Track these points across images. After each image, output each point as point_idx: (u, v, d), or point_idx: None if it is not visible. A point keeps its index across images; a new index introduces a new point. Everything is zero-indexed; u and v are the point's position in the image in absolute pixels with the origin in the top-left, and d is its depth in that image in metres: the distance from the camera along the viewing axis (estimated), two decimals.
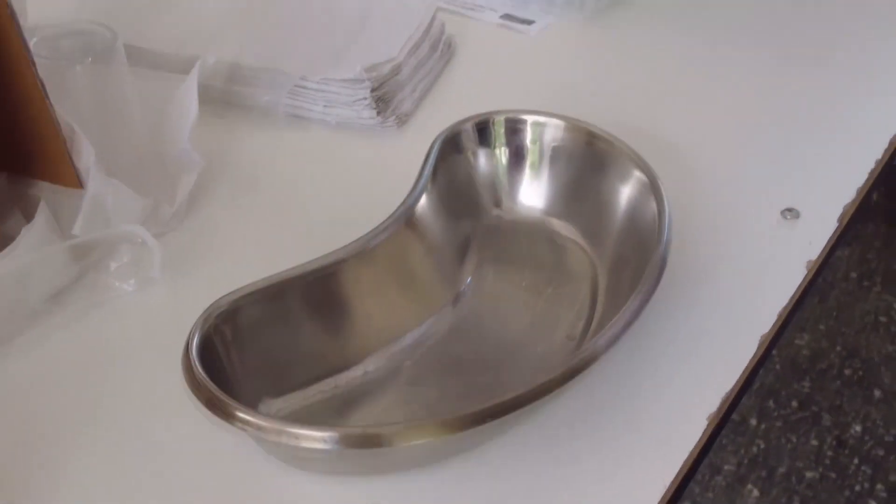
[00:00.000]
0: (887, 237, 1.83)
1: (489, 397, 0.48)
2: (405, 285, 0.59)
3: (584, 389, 0.54)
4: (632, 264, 0.58)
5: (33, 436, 0.54)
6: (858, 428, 1.51)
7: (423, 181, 0.61)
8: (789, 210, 0.65)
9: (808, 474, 1.46)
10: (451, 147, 0.63)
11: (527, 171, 0.64)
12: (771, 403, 1.55)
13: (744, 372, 0.57)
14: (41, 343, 0.58)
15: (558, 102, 0.70)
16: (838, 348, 1.64)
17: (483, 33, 0.85)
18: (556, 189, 0.64)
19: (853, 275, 1.77)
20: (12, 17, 0.55)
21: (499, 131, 0.64)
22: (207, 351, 0.50)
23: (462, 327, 0.59)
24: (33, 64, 0.56)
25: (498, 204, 0.64)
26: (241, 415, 0.47)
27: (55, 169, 0.60)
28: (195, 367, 0.49)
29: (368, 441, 0.47)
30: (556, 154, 0.64)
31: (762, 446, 1.49)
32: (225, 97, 0.74)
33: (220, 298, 0.52)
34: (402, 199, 0.61)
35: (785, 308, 0.60)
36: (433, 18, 0.79)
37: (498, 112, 0.65)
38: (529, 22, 0.86)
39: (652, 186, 0.59)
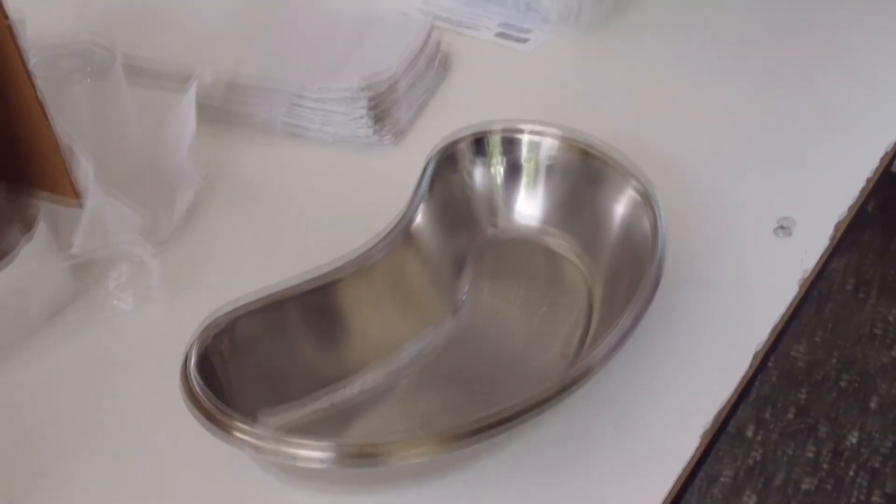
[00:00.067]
0: (883, 247, 1.84)
1: (486, 411, 0.48)
2: (402, 299, 0.60)
3: (580, 402, 0.54)
4: (627, 278, 0.58)
5: (33, 449, 0.54)
6: (855, 438, 1.52)
7: (419, 195, 0.62)
8: (783, 226, 0.66)
9: (805, 484, 1.46)
10: (446, 161, 0.64)
11: (522, 185, 0.65)
12: (768, 413, 1.56)
13: (738, 385, 0.57)
14: (41, 357, 0.58)
15: (554, 116, 0.71)
16: (834, 359, 1.65)
17: (479, 48, 0.85)
18: (551, 203, 0.64)
19: (849, 285, 1.77)
20: (13, 34, 0.56)
21: (494, 144, 0.65)
22: (205, 365, 0.51)
23: (459, 341, 0.60)
24: (34, 82, 0.57)
25: (494, 218, 0.65)
26: (238, 431, 0.47)
27: (54, 184, 0.60)
28: (193, 381, 0.49)
29: (365, 454, 0.47)
30: (552, 168, 0.64)
31: (759, 456, 1.49)
32: (223, 113, 0.74)
33: (218, 310, 0.53)
34: (398, 214, 0.61)
35: (778, 322, 0.60)
36: (429, 34, 0.80)
37: (495, 121, 0.65)
38: (525, 38, 0.87)
39: (647, 200, 0.59)
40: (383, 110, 0.74)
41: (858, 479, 1.46)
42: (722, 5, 0.91)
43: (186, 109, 0.66)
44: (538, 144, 0.64)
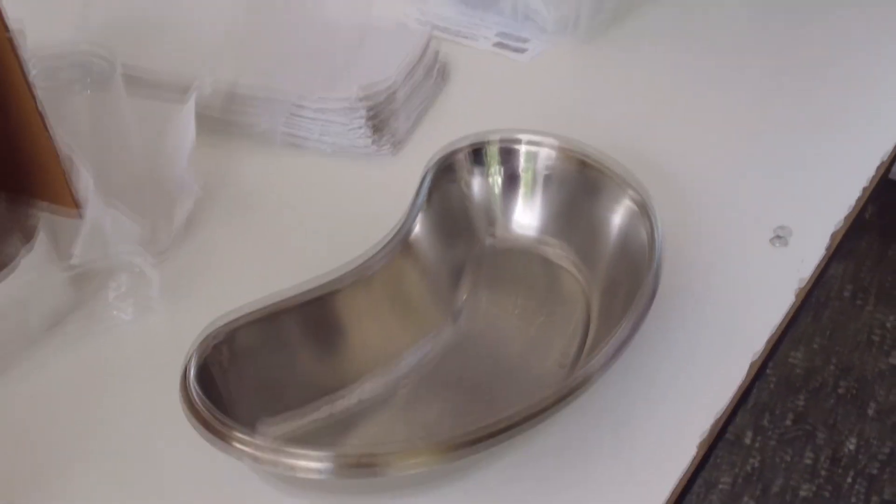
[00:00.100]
0: (880, 253, 1.84)
1: (484, 420, 0.49)
2: (400, 309, 0.60)
3: (578, 411, 0.54)
4: (624, 287, 0.58)
5: (33, 459, 0.55)
6: (853, 444, 1.52)
7: (417, 206, 0.62)
8: (779, 235, 0.66)
9: (804, 491, 1.46)
10: (444, 171, 0.64)
11: (520, 195, 0.65)
12: (766, 420, 1.56)
13: (735, 394, 0.57)
14: (41, 367, 0.59)
15: (552, 126, 0.71)
16: (832, 365, 1.65)
17: (477, 58, 0.86)
18: (549, 212, 0.65)
19: (847, 292, 1.78)
20: (13, 46, 0.56)
21: (492, 154, 0.65)
22: (204, 375, 0.51)
23: (457, 350, 0.60)
24: (34, 93, 0.57)
25: (492, 227, 0.65)
26: (236, 441, 0.48)
27: (54, 194, 0.61)
28: (192, 391, 0.50)
29: (363, 465, 0.47)
30: (550, 177, 0.65)
31: (757, 463, 1.49)
32: (222, 122, 0.74)
33: (217, 320, 0.53)
34: (397, 223, 0.62)
35: (775, 331, 0.60)
36: (427, 44, 0.80)
37: (492, 132, 0.65)
38: (523, 47, 0.87)
39: (644, 210, 0.60)
40: (382, 120, 0.74)
41: (856, 486, 1.46)
42: (719, 15, 0.92)
43: (186, 120, 0.66)
44: (535, 154, 0.64)
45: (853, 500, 1.45)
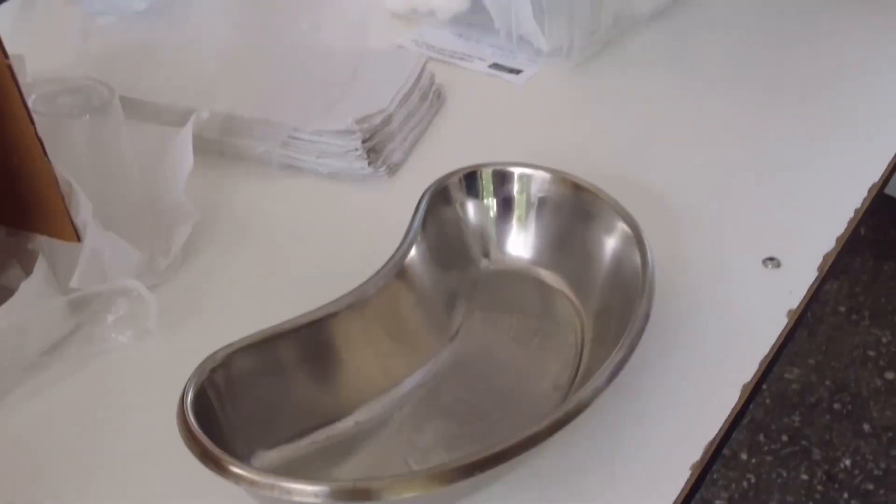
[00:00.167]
0: (875, 270, 1.85)
1: (478, 448, 0.49)
2: (396, 336, 0.60)
3: (573, 433, 0.54)
4: (617, 314, 0.59)
5: (31, 486, 0.55)
6: (848, 462, 1.52)
7: (412, 233, 0.62)
8: (771, 258, 0.67)
9: None
10: (440, 199, 0.65)
11: (514, 222, 0.66)
12: (761, 437, 1.56)
13: (727, 419, 0.58)
14: (38, 395, 0.59)
15: (546, 150, 0.72)
16: (827, 382, 1.65)
17: (472, 82, 0.87)
18: (542, 240, 0.65)
19: (842, 308, 1.78)
20: (13, 75, 0.57)
21: (486, 183, 0.66)
22: (202, 404, 0.52)
23: (453, 374, 0.60)
24: (33, 122, 0.57)
25: (486, 254, 0.66)
26: (233, 469, 0.48)
27: (53, 223, 0.61)
28: (190, 421, 0.50)
29: (358, 495, 0.48)
30: (543, 205, 0.65)
31: (753, 480, 1.50)
32: (220, 148, 0.75)
33: (215, 353, 0.54)
34: (393, 247, 0.62)
35: (767, 355, 0.61)
36: (423, 69, 0.81)
37: (485, 165, 0.66)
38: (517, 71, 0.88)
39: (636, 238, 0.60)
40: (378, 144, 0.75)
41: (852, 503, 1.47)
42: (710, 41, 0.93)
43: (183, 146, 0.67)
44: (529, 186, 0.65)
45: None
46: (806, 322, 1.71)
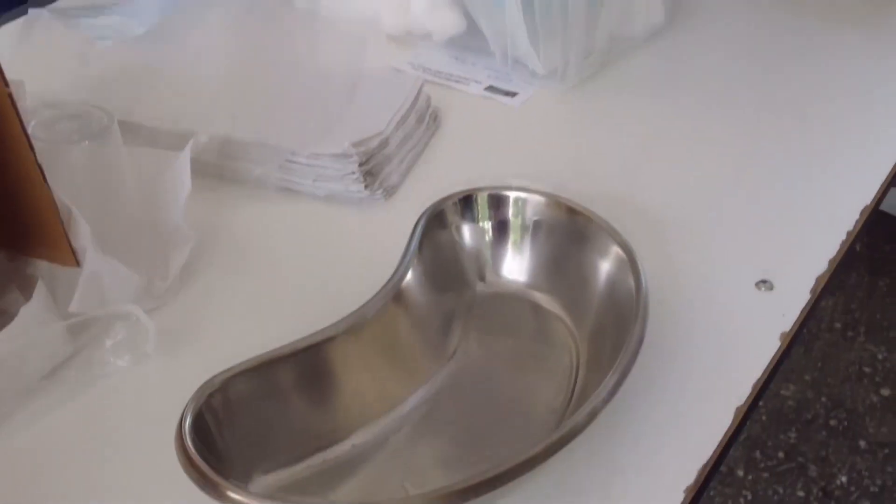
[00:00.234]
0: (870, 287, 1.86)
1: (475, 471, 0.50)
2: (392, 358, 0.61)
3: (568, 455, 0.55)
4: (611, 337, 0.60)
5: None
6: (844, 478, 1.52)
7: (409, 256, 0.63)
8: (764, 280, 0.68)
9: None
10: (436, 222, 0.65)
11: (509, 245, 0.67)
12: (758, 454, 1.57)
13: (720, 441, 0.58)
14: (37, 419, 0.59)
15: (541, 172, 0.73)
16: (823, 399, 1.66)
17: (468, 104, 0.87)
18: (537, 262, 0.66)
19: (837, 325, 1.79)
20: (12, 102, 0.57)
21: (482, 207, 0.66)
22: (200, 428, 0.52)
23: (448, 396, 0.61)
24: (33, 149, 0.58)
25: (482, 277, 0.66)
26: (231, 494, 0.48)
27: (53, 248, 0.62)
28: (188, 446, 0.50)
29: None
30: (538, 228, 0.66)
31: (749, 497, 1.50)
32: (217, 171, 0.76)
33: (212, 377, 0.54)
34: (390, 270, 0.63)
35: (760, 377, 0.61)
36: (419, 91, 0.82)
37: (481, 188, 0.67)
38: (513, 93, 0.89)
39: (630, 262, 0.61)
40: (374, 166, 0.76)
41: None
42: (704, 63, 0.94)
43: (181, 169, 0.67)
44: (524, 209, 0.66)
45: None
46: (802, 339, 1.71)
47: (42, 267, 0.63)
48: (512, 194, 0.66)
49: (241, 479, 0.52)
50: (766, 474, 1.54)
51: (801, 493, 1.50)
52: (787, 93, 0.89)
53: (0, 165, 0.60)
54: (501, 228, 0.66)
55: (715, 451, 0.58)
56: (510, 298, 0.66)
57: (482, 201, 0.66)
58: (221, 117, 0.76)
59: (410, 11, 0.92)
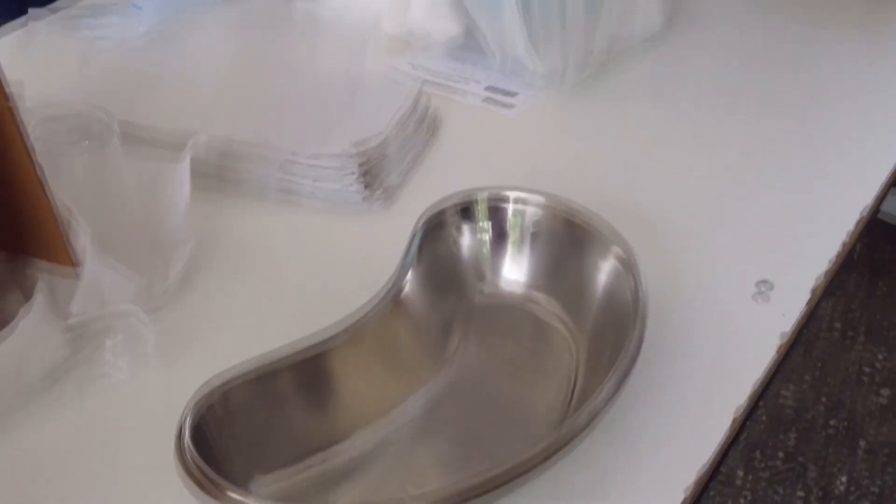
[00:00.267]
0: (870, 288, 1.86)
1: (474, 473, 0.50)
2: (392, 361, 0.61)
3: (566, 459, 0.55)
4: (610, 340, 0.60)
5: None
6: (844, 480, 1.52)
7: (408, 260, 0.63)
8: (761, 289, 0.67)
9: None
10: (434, 226, 0.65)
11: (509, 248, 0.66)
12: (757, 456, 1.57)
13: (717, 448, 0.58)
14: (37, 419, 0.59)
15: (540, 176, 0.73)
16: (823, 400, 1.66)
17: (467, 108, 0.87)
18: (537, 266, 0.66)
19: (837, 326, 1.79)
20: (12, 106, 0.57)
21: (481, 210, 0.66)
22: (199, 431, 0.52)
23: (448, 402, 0.61)
24: (32, 151, 0.58)
25: (481, 280, 0.66)
26: (232, 495, 0.48)
27: (53, 249, 0.62)
28: (187, 449, 0.50)
29: None
30: (537, 231, 0.66)
31: (749, 499, 1.50)
32: (218, 172, 0.76)
33: (211, 379, 0.54)
34: (389, 273, 0.63)
35: (759, 381, 0.61)
36: (419, 94, 0.82)
37: (480, 189, 0.67)
38: (512, 94, 0.89)
39: (629, 265, 0.61)
40: (374, 168, 0.76)
41: None
42: (703, 70, 0.94)
43: (181, 176, 0.68)
44: (523, 211, 0.66)
45: None
46: (801, 340, 1.71)
47: (42, 268, 0.63)
48: (511, 197, 0.66)
49: (241, 482, 0.52)
50: (766, 476, 1.54)
51: (800, 495, 1.50)
52: (786, 96, 0.89)
53: (0, 167, 0.60)
54: (500, 232, 0.66)
55: (714, 453, 0.58)
56: (509, 302, 0.66)
57: (481, 205, 0.66)
58: (222, 118, 0.76)
59: (410, 13, 0.92)
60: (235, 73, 0.80)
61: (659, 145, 0.83)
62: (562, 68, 0.88)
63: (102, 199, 0.64)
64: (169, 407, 0.53)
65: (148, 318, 0.62)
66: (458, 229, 0.66)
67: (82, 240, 0.61)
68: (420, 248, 0.64)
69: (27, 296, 0.60)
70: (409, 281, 0.62)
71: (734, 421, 0.59)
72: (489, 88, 0.90)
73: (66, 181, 0.61)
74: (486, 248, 0.66)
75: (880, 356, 1.73)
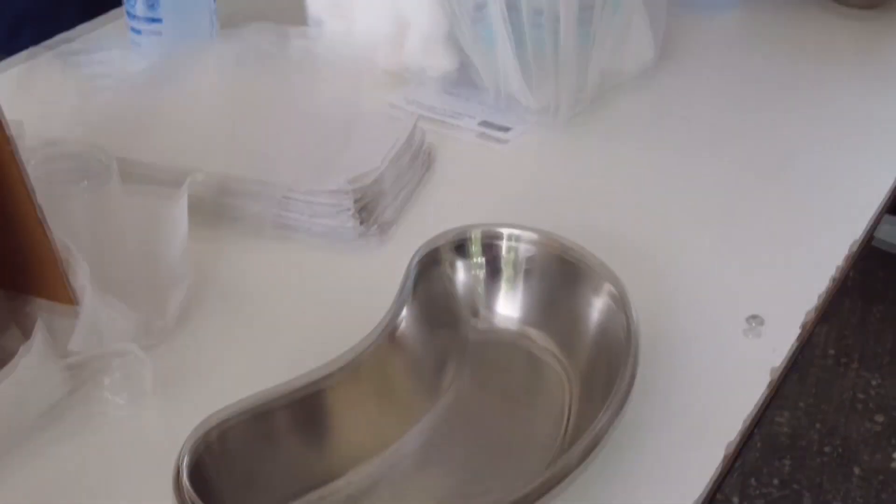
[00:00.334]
0: (863, 314, 1.87)
1: None
2: (387, 397, 0.62)
3: (557, 498, 0.55)
4: (603, 374, 0.60)
5: None
6: None
7: (403, 296, 0.64)
8: (752, 323, 0.68)
9: None
10: (429, 261, 0.66)
11: (503, 284, 0.67)
12: (753, 482, 1.57)
13: (710, 482, 0.59)
14: (34, 458, 0.60)
15: (533, 210, 0.74)
16: (818, 426, 1.67)
17: (461, 141, 0.88)
18: (531, 301, 0.67)
19: (831, 352, 1.80)
20: (12, 146, 0.58)
21: (475, 246, 0.67)
22: (197, 469, 0.53)
23: (442, 436, 0.61)
24: (32, 192, 0.59)
25: (476, 315, 0.67)
26: None
27: (52, 287, 0.62)
28: (185, 487, 0.51)
29: None
30: (531, 267, 0.67)
31: None
32: (215, 208, 0.76)
33: (209, 417, 0.55)
34: (384, 308, 0.63)
35: (750, 416, 0.62)
36: (414, 130, 0.83)
37: (474, 226, 0.68)
38: (506, 129, 0.90)
39: (621, 300, 0.62)
40: (369, 203, 0.77)
41: None
42: (694, 104, 0.95)
43: (179, 212, 0.68)
44: (516, 248, 0.67)
45: None
46: (795, 367, 1.72)
47: (41, 306, 0.63)
48: (505, 233, 0.67)
49: None
50: (760, 502, 1.54)
51: None
52: (775, 131, 0.90)
53: (1, 207, 0.60)
54: (495, 267, 0.67)
55: (708, 487, 0.59)
56: (504, 337, 0.66)
57: (475, 241, 0.67)
58: (219, 154, 0.77)
59: (405, 49, 0.93)
60: (233, 110, 0.81)
61: (650, 180, 0.84)
62: (555, 104, 0.90)
63: (101, 237, 0.65)
64: (167, 444, 0.54)
65: (145, 356, 0.62)
66: (453, 266, 0.67)
67: (81, 279, 0.62)
68: (415, 284, 0.64)
69: (26, 334, 0.61)
70: (405, 317, 0.63)
71: (726, 457, 0.60)
72: (483, 123, 0.91)
73: (66, 220, 0.62)
74: (481, 285, 0.67)
75: (874, 382, 1.74)
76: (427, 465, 0.60)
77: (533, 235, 0.67)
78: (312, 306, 0.71)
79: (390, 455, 0.60)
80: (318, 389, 0.58)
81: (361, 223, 0.76)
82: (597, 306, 0.63)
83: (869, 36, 1.08)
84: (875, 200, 0.81)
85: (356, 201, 0.75)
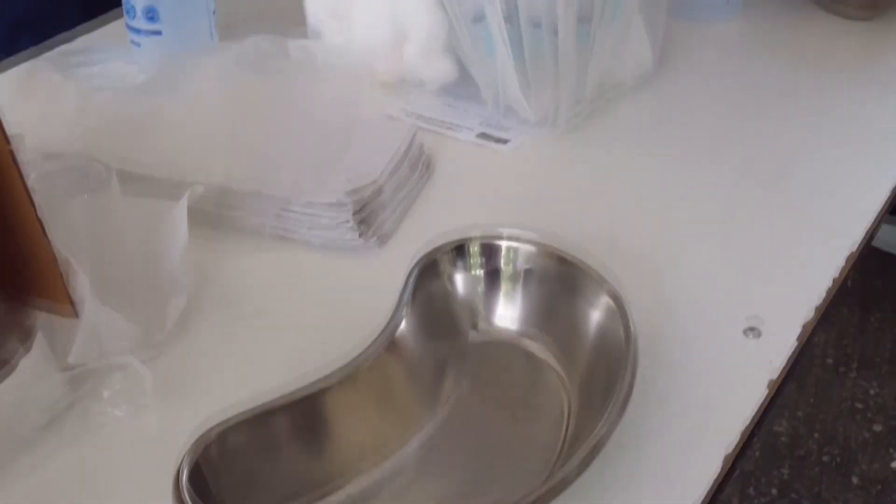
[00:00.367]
0: (862, 322, 1.87)
1: None
2: (386, 407, 0.62)
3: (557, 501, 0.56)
4: (601, 383, 0.61)
5: None
6: None
7: (402, 305, 0.64)
8: (752, 327, 0.69)
9: None
10: (428, 270, 0.66)
11: (502, 293, 0.68)
12: (751, 490, 1.57)
13: (709, 486, 0.59)
14: (35, 470, 0.60)
15: (533, 218, 0.74)
16: (816, 434, 1.67)
17: (460, 150, 0.89)
18: (529, 310, 0.67)
19: (829, 360, 1.80)
20: (12, 150, 0.58)
21: (474, 255, 0.68)
22: (197, 474, 0.53)
23: (442, 441, 0.62)
24: (33, 201, 0.59)
25: (475, 324, 0.67)
26: None
27: (52, 296, 0.62)
28: (185, 491, 0.51)
29: None
30: (529, 276, 0.67)
31: None
32: (214, 219, 0.77)
33: (209, 428, 0.55)
34: (383, 318, 0.64)
35: (747, 427, 0.62)
36: (413, 138, 0.83)
37: (473, 229, 0.68)
38: (504, 140, 0.90)
39: (619, 309, 0.62)
40: (368, 214, 0.77)
41: None
42: (694, 110, 0.95)
43: (178, 219, 0.69)
44: (516, 252, 0.67)
45: None
46: (794, 374, 1.72)
47: (41, 318, 0.63)
48: (504, 242, 0.67)
49: None
50: None
51: None
52: (775, 138, 0.91)
53: (1, 218, 0.61)
54: (493, 276, 0.67)
55: (707, 491, 0.59)
56: (502, 346, 0.67)
57: (474, 250, 0.67)
58: (218, 167, 0.77)
59: (404, 60, 0.93)
60: (231, 122, 0.81)
61: (649, 184, 0.85)
62: (554, 112, 0.90)
63: (101, 249, 0.65)
64: (167, 454, 0.54)
65: (146, 369, 0.63)
66: (452, 275, 0.67)
67: (81, 290, 0.62)
68: (414, 293, 0.65)
69: (26, 346, 0.61)
70: (404, 326, 0.63)
71: (726, 458, 0.60)
72: (482, 134, 0.91)
73: (66, 232, 0.62)
74: (480, 289, 0.67)
75: (872, 390, 1.74)
76: (427, 470, 0.60)
77: (531, 246, 0.67)
78: (311, 311, 0.71)
79: (389, 459, 0.60)
80: (318, 399, 0.58)
81: (360, 235, 0.76)
82: (596, 311, 0.63)
83: (868, 43, 1.08)
84: (874, 207, 0.82)
85: (355, 213, 0.75)
